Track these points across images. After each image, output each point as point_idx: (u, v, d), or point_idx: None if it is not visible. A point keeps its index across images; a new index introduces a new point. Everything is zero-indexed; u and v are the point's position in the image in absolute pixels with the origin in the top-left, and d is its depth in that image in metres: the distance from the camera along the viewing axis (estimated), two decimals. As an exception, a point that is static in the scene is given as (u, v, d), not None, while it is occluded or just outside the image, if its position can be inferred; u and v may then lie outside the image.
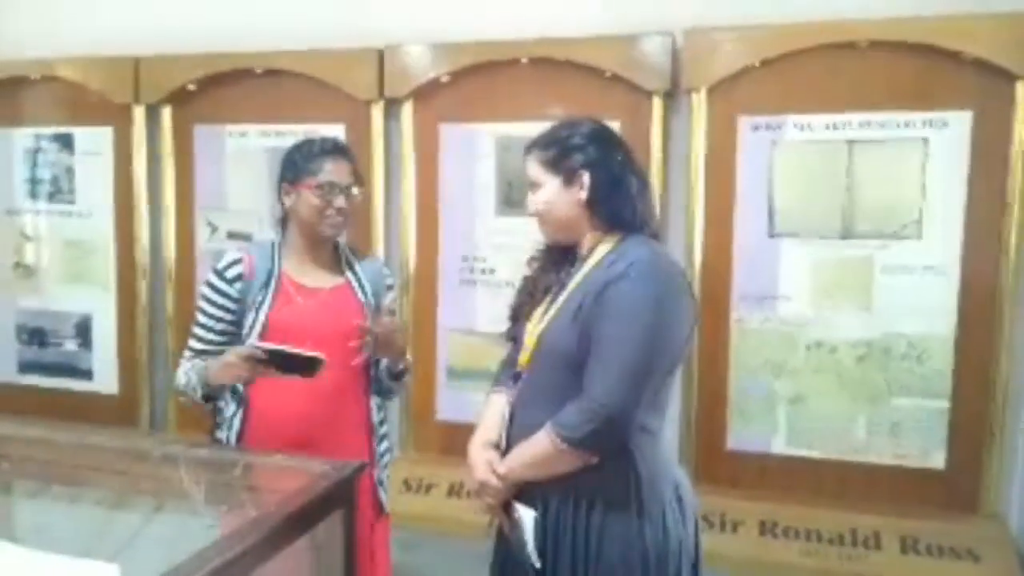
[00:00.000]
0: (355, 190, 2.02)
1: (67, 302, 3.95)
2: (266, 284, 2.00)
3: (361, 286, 2.08)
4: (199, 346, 2.04)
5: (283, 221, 2.08)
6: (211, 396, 1.99)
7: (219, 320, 2.01)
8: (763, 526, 2.96)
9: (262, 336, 1.93)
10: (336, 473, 1.39)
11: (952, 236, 2.85)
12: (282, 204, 2.05)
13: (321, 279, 2.06)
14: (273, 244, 2.07)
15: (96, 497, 1.69)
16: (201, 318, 2.04)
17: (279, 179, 2.05)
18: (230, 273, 2.02)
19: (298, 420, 1.96)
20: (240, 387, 2.00)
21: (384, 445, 2.15)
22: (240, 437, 2.00)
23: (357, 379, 2.06)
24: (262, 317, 1.97)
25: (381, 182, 3.41)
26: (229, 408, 2.03)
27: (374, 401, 2.11)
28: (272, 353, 1.78)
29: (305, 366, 1.78)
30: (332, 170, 1.99)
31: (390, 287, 2.20)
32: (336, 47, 3.36)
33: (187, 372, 2.00)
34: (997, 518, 2.88)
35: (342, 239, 2.14)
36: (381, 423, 2.14)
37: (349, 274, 2.09)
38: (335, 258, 2.11)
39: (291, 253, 2.06)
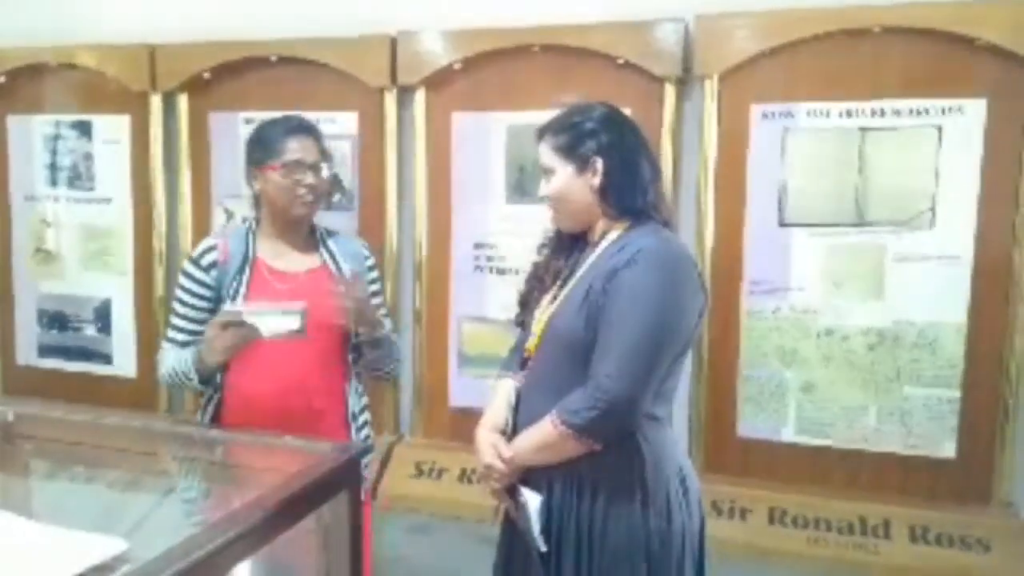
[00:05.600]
0: (323, 167, 1.99)
1: (87, 287, 4.00)
2: (241, 270, 1.97)
3: (338, 267, 2.06)
4: (180, 337, 1.99)
5: (256, 205, 2.07)
6: (207, 379, 1.95)
7: (197, 309, 1.98)
8: (772, 514, 2.97)
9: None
10: (342, 454, 1.41)
11: (965, 225, 2.83)
12: (251, 188, 2.04)
13: (296, 262, 2.03)
14: (248, 229, 2.06)
15: (110, 477, 1.72)
16: (179, 308, 2.00)
17: (246, 162, 2.04)
18: (205, 260, 1.99)
19: (273, 404, 1.92)
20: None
21: (363, 434, 2.11)
22: (214, 420, 1.98)
23: (334, 364, 2.03)
24: (238, 304, 1.94)
25: (394, 170, 3.42)
26: (207, 391, 2.01)
27: (353, 388, 2.09)
28: (250, 314, 1.76)
29: (289, 321, 1.75)
30: (297, 148, 1.96)
31: (372, 267, 2.18)
32: (349, 34, 3.37)
33: (174, 362, 1.94)
34: (1009, 508, 2.87)
35: (317, 219, 2.12)
36: (361, 411, 2.12)
37: (325, 254, 2.07)
38: (310, 239, 2.08)
39: (265, 237, 2.03)
